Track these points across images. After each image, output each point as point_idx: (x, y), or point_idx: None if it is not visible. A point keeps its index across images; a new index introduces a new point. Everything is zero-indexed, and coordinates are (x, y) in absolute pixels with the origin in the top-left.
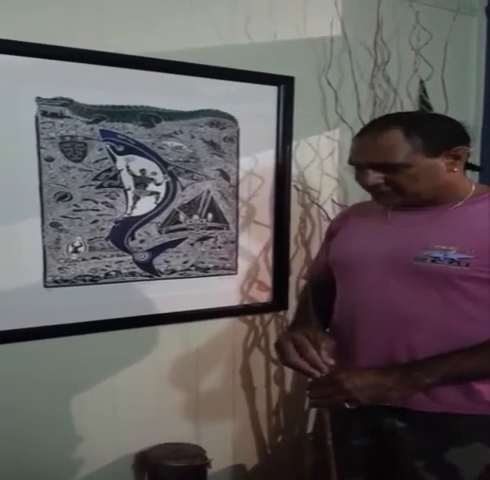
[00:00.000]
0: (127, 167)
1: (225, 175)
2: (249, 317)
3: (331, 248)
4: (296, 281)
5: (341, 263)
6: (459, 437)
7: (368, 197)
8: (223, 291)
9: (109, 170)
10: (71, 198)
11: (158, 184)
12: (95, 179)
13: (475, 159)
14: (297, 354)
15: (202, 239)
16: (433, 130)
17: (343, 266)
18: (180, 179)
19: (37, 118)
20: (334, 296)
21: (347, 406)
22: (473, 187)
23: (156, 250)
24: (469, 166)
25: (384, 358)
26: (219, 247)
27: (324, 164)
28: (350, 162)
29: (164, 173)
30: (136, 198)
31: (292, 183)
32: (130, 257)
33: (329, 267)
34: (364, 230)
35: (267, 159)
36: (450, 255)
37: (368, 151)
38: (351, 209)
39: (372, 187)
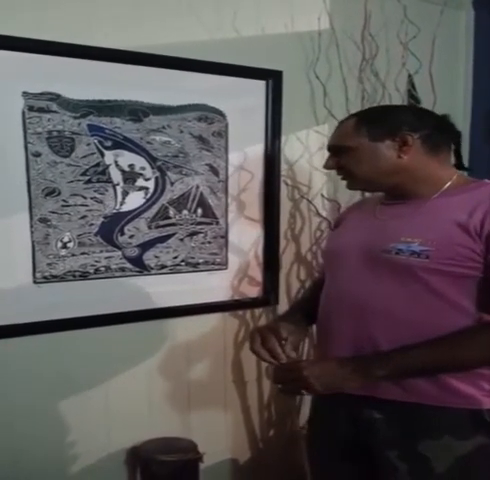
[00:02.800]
0: (115, 162)
1: (214, 170)
2: (240, 312)
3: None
4: (286, 276)
5: (326, 256)
6: (431, 429)
7: (357, 193)
8: (213, 286)
9: (97, 165)
10: (59, 193)
11: (147, 179)
12: (83, 174)
13: (464, 152)
14: (261, 344)
15: (192, 234)
16: (379, 117)
17: (327, 259)
18: (169, 174)
19: (24, 113)
20: None
21: (304, 393)
22: (454, 177)
23: (146, 245)
24: (458, 165)
25: (351, 348)
26: (209, 242)
27: (313, 159)
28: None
29: (153, 168)
30: (125, 193)
31: (281, 178)
32: (120, 252)
33: None
34: (352, 224)
35: (256, 154)
36: (412, 247)
37: (332, 137)
38: (352, 205)
39: (334, 170)
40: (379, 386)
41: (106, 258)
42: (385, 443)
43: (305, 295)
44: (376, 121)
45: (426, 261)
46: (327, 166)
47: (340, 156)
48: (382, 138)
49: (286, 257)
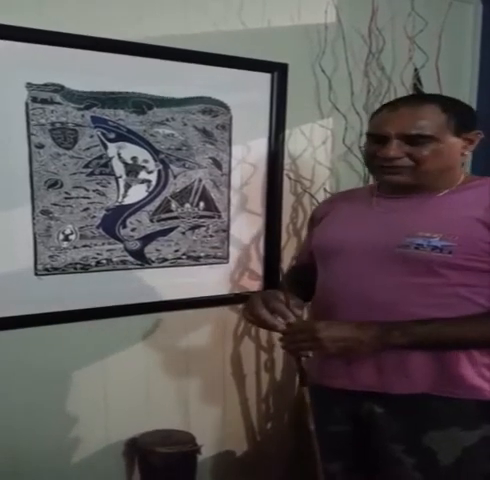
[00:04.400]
0: (118, 154)
1: (217, 163)
2: (240, 306)
3: (315, 234)
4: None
5: (322, 249)
6: (436, 421)
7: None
8: (214, 280)
9: (100, 157)
10: (62, 185)
11: (150, 172)
12: (86, 166)
13: None
14: (263, 305)
15: (194, 228)
16: (461, 110)
17: (324, 252)
18: (172, 167)
19: (27, 104)
20: (316, 278)
21: (309, 355)
22: (462, 176)
23: (147, 238)
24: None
25: None
26: (211, 236)
27: (317, 153)
28: (371, 134)
29: (156, 161)
30: (127, 186)
31: (284, 172)
32: (121, 245)
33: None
34: (347, 217)
35: (259, 147)
36: (433, 242)
37: (402, 122)
38: (336, 196)
39: (390, 160)
40: (381, 381)
41: (108, 251)
42: (389, 437)
43: (293, 278)
44: (461, 115)
45: (449, 256)
46: (392, 155)
47: (413, 145)
48: (461, 133)
49: (287, 251)
